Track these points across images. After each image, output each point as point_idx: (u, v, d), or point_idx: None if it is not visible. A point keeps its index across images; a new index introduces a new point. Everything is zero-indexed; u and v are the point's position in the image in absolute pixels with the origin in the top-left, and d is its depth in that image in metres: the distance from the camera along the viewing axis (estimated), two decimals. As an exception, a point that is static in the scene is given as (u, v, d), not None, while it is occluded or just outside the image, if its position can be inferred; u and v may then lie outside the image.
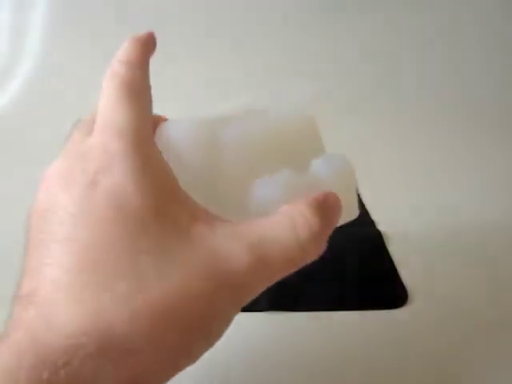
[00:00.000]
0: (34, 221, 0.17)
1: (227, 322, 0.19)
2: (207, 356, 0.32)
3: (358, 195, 0.24)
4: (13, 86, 0.54)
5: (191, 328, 0.17)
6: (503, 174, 0.51)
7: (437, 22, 0.63)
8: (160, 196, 0.17)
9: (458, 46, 0.60)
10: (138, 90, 0.20)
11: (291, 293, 0.36)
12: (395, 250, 0.40)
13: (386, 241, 0.41)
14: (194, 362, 0.19)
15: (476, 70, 0.58)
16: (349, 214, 0.23)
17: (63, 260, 0.15)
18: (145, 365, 0.16)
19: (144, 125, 0.19)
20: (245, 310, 0.34)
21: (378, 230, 0.42)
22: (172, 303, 0.16)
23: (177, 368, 0.18)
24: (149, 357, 0.16)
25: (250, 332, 0.34)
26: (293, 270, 0.19)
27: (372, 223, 0.43)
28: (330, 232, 0.19)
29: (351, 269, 0.38)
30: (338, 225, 0.21)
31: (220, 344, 0.33)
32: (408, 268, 0.38)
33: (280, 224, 0.18)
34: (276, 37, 0.60)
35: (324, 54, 0.59)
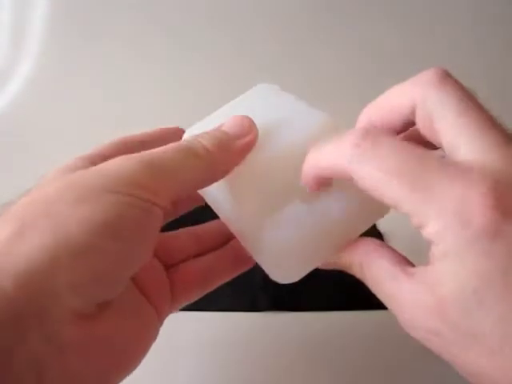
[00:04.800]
0: None
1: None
2: (208, 354, 0.32)
3: None
4: (13, 86, 0.54)
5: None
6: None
7: (438, 22, 0.63)
8: None
9: (459, 46, 0.60)
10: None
11: (291, 293, 0.36)
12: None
13: (385, 241, 0.41)
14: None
15: (476, 70, 0.58)
16: (377, 214, 0.23)
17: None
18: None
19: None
20: (245, 310, 0.35)
21: (377, 230, 0.42)
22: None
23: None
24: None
25: (250, 332, 0.34)
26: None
27: (372, 223, 0.43)
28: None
29: (351, 269, 0.38)
30: (368, 225, 0.22)
31: (220, 343, 0.33)
32: (408, 268, 0.38)
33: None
34: (275, 36, 0.60)
35: (324, 55, 0.59)
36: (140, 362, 0.20)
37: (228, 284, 0.37)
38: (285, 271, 0.22)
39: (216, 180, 0.21)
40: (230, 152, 0.21)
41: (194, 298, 0.25)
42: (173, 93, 0.52)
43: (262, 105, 0.25)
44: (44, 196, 0.17)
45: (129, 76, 0.54)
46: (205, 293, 0.26)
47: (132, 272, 0.18)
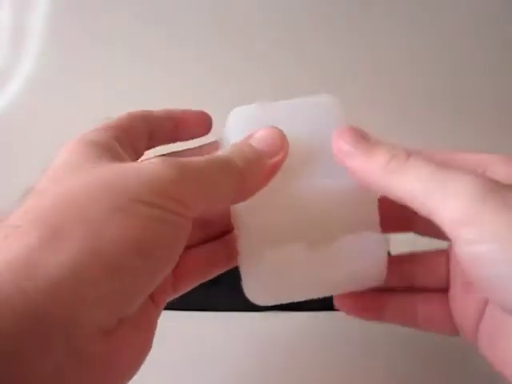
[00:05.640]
0: None
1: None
2: (207, 354, 0.32)
3: None
4: (13, 86, 0.54)
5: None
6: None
7: (439, 21, 0.63)
8: None
9: (463, 48, 0.60)
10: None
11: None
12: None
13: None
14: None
15: (475, 70, 0.58)
16: (373, 281, 0.23)
17: None
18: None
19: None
20: (245, 309, 0.35)
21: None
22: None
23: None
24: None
25: (250, 332, 0.34)
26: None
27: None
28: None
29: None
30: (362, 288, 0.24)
31: (220, 343, 0.33)
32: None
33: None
34: (285, 37, 0.60)
35: (336, 57, 0.59)
36: (144, 360, 0.20)
37: (228, 284, 0.37)
38: (261, 296, 0.23)
39: (244, 199, 0.21)
40: (259, 171, 0.20)
41: (192, 286, 0.26)
42: (174, 94, 0.52)
43: (315, 125, 0.23)
44: (74, 196, 0.17)
45: (130, 76, 0.54)
46: (203, 281, 0.26)
47: (155, 286, 0.18)
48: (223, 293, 0.36)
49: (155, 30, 0.60)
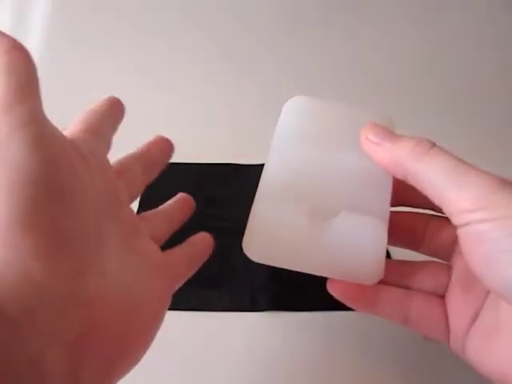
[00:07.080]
0: None
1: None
2: (207, 354, 0.32)
3: None
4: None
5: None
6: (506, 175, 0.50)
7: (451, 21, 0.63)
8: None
9: (477, 46, 0.60)
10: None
11: (291, 293, 0.36)
12: (395, 250, 0.40)
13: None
14: None
15: (475, 70, 0.58)
16: (368, 274, 0.23)
17: None
18: None
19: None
20: (245, 310, 0.35)
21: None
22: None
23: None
24: None
25: (250, 332, 0.34)
26: None
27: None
28: None
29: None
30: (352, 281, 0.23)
31: (220, 343, 0.33)
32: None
33: None
34: (268, 43, 0.60)
35: (318, 62, 0.59)
36: (147, 346, 0.19)
37: (228, 284, 0.37)
38: (255, 251, 0.23)
39: None
40: None
41: None
42: (175, 94, 0.52)
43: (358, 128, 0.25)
44: None
45: (130, 76, 0.54)
46: None
47: (94, 229, 0.18)
48: (224, 293, 0.36)
49: (156, 29, 0.60)
